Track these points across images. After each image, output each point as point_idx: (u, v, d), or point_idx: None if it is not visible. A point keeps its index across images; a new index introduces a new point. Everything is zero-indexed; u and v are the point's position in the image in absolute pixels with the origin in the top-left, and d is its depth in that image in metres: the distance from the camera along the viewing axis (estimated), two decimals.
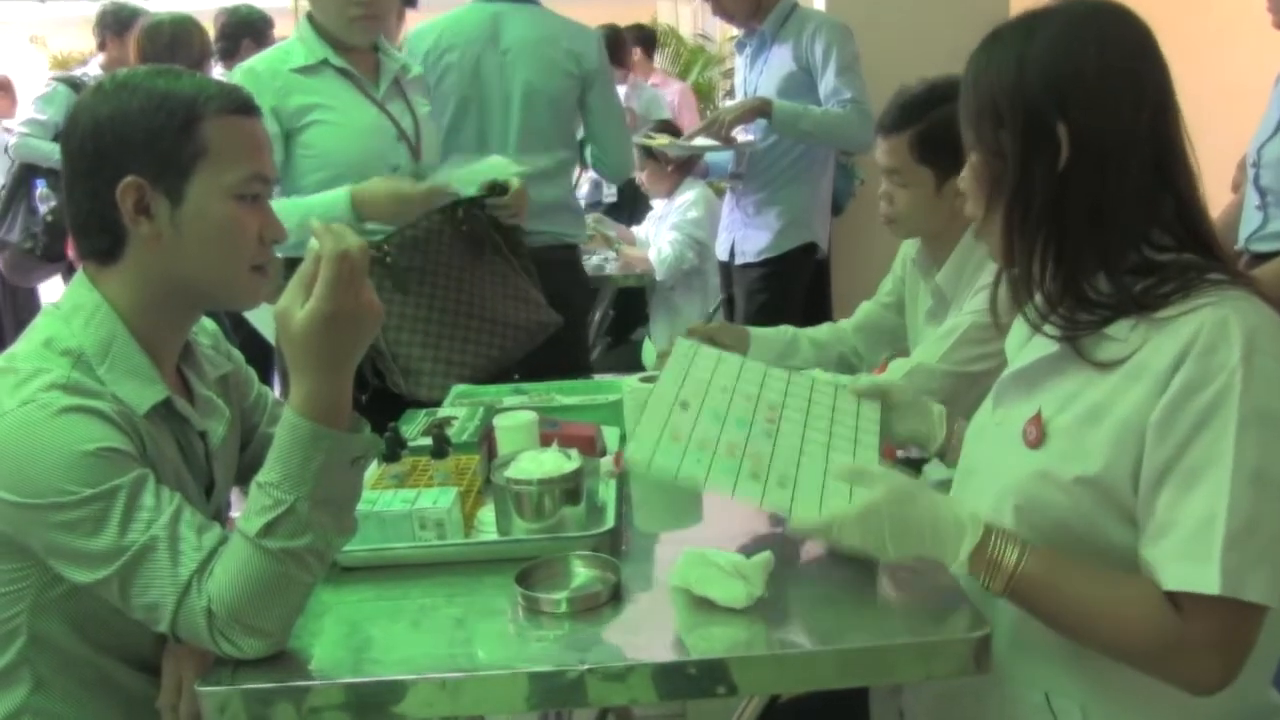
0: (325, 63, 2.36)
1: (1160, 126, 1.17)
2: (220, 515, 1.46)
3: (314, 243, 1.15)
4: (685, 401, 1.40)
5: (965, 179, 1.27)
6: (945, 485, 1.48)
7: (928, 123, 1.96)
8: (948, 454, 1.59)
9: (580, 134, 3.11)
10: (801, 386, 1.54)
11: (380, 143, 2.38)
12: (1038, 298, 1.22)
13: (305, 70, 2.35)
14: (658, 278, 4.15)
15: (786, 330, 2.26)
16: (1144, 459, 1.11)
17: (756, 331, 2.21)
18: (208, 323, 1.55)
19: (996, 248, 1.24)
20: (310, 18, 2.40)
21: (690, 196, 4.24)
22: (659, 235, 4.27)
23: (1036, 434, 1.20)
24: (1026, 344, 1.30)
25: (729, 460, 1.30)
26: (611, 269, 4.28)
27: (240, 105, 1.33)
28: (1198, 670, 1.08)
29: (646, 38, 6.50)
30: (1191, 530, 1.07)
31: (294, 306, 1.14)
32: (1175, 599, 1.08)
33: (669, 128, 4.29)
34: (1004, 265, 1.26)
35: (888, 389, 1.57)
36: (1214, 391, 1.07)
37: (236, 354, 1.60)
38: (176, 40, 3.71)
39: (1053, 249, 1.18)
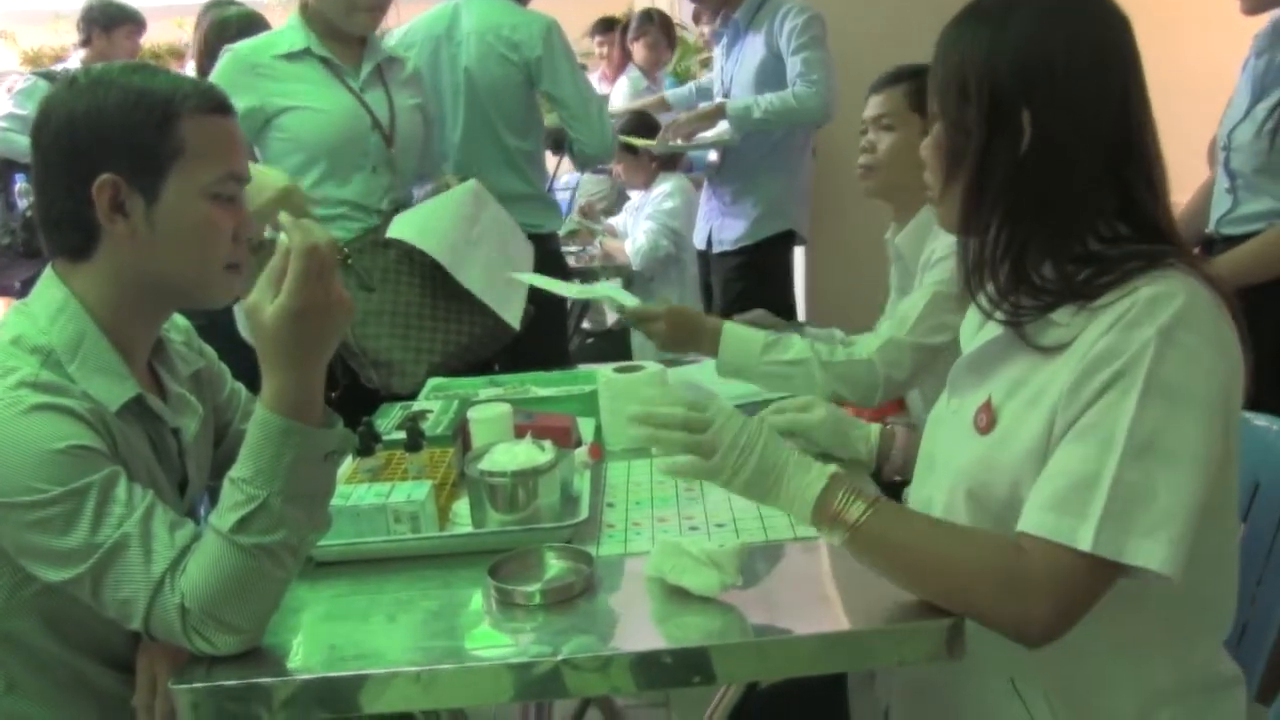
0: (307, 51, 2.40)
1: (1123, 122, 1.17)
2: (195, 512, 1.45)
3: (283, 237, 1.14)
4: (610, 503, 1.55)
5: (927, 147, 1.27)
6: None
7: (922, 79, 2.03)
8: (885, 468, 1.63)
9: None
10: None
11: (353, 130, 2.42)
12: (988, 282, 1.22)
13: (288, 57, 2.40)
14: (634, 268, 4.15)
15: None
16: (1056, 421, 1.12)
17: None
18: (179, 319, 1.54)
19: (951, 219, 1.25)
20: (304, 6, 2.44)
21: (666, 188, 4.24)
22: (635, 226, 4.27)
23: (987, 420, 1.21)
24: (979, 331, 1.30)
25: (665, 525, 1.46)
26: (587, 260, 4.28)
27: (216, 104, 1.32)
28: (1029, 613, 1.08)
29: (609, 27, 6.38)
30: (1071, 484, 1.08)
31: (264, 301, 1.13)
32: (1024, 539, 1.10)
33: (645, 120, 4.28)
34: (958, 237, 1.27)
35: (802, 425, 1.64)
36: (1125, 360, 1.08)
37: (209, 350, 1.59)
38: (243, 34, 3.69)
39: (1005, 231, 1.19)
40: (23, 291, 4.81)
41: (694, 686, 1.16)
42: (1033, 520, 1.10)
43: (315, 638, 1.24)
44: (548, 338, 2.86)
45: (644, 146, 3.96)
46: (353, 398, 2.28)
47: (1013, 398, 1.19)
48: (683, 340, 1.97)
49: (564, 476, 1.49)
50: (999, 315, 1.21)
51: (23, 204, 4.14)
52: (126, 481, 1.19)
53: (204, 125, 1.30)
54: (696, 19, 3.74)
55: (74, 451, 1.17)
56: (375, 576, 1.36)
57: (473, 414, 1.68)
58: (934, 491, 1.29)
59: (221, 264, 1.34)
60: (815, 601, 1.25)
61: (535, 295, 2.52)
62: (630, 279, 4.26)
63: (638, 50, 5.54)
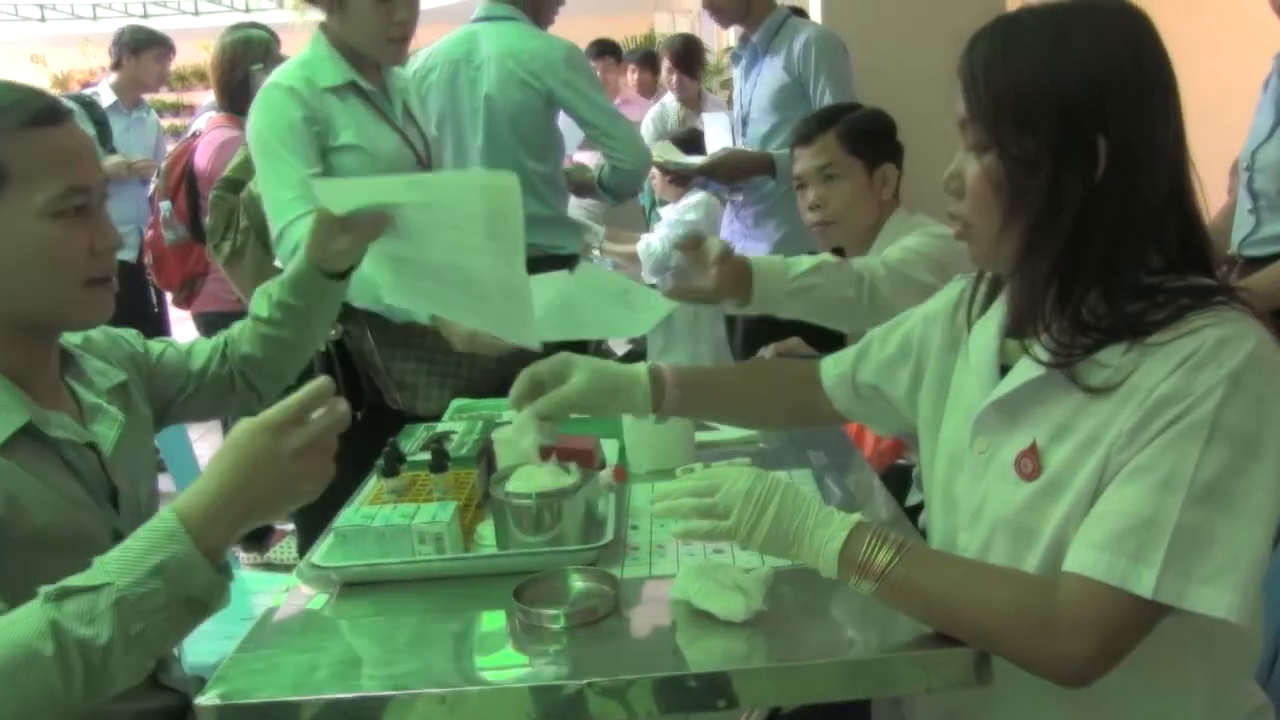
0: (352, 84, 2.33)
1: (1177, 143, 1.12)
2: (142, 519, 1.33)
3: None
4: (634, 525, 1.55)
5: (969, 179, 1.17)
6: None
7: (848, 121, 2.16)
8: (663, 408, 1.50)
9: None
10: None
11: (401, 169, 2.36)
12: (1048, 321, 1.15)
13: (334, 91, 2.31)
14: (643, 273, 4.17)
15: None
16: (1109, 463, 1.08)
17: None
18: (94, 333, 1.48)
19: (1007, 258, 1.17)
20: (324, 32, 2.34)
21: (692, 200, 4.34)
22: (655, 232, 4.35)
23: (1033, 466, 1.16)
24: (995, 360, 1.24)
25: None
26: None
27: (39, 115, 1.22)
28: (1070, 653, 1.05)
29: (607, 51, 6.42)
30: (1127, 525, 1.04)
31: (278, 433, 1.07)
32: (1070, 578, 1.06)
33: (695, 137, 4.32)
34: (1010, 276, 1.22)
35: (567, 361, 1.45)
36: (1190, 402, 1.04)
37: (126, 342, 1.53)
38: (267, 54, 3.74)
39: (1063, 266, 1.12)
40: None
41: (717, 711, 1.16)
42: (1083, 560, 1.06)
43: (340, 658, 1.24)
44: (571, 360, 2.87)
45: (656, 160, 3.98)
46: (377, 418, 2.29)
47: (1061, 442, 1.14)
48: (731, 287, 1.87)
49: (588, 499, 1.49)
50: (1038, 352, 1.15)
51: None
52: None
53: (27, 141, 1.20)
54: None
55: None
56: (400, 597, 1.36)
57: (497, 435, 1.68)
58: (963, 535, 1.26)
59: (79, 283, 1.26)
60: (841, 626, 1.25)
61: None
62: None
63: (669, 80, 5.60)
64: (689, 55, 5.54)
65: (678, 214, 4.32)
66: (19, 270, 1.22)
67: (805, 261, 1.90)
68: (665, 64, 5.58)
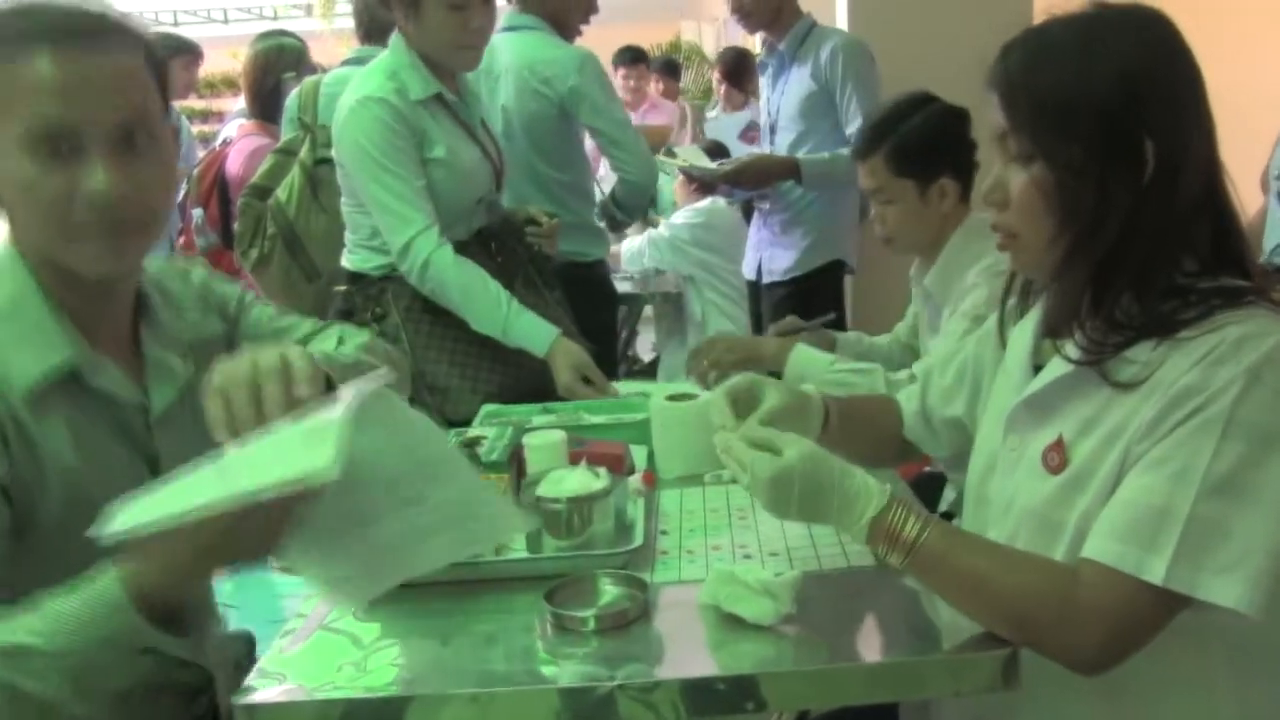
0: (439, 97, 2.34)
1: (1210, 144, 1.14)
2: None
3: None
4: (664, 530, 1.54)
5: (1016, 189, 1.17)
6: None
7: (898, 138, 2.08)
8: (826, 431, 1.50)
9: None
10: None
11: (480, 180, 2.41)
12: (1082, 321, 1.17)
13: (424, 104, 2.32)
14: (622, 264, 4.27)
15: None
16: (1129, 454, 1.10)
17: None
18: (195, 274, 1.42)
19: (1049, 266, 1.19)
20: (405, 43, 2.34)
21: (700, 205, 4.36)
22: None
23: (1059, 460, 1.17)
24: (1028, 361, 1.26)
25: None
26: None
27: (22, 35, 1.12)
28: (1083, 640, 1.07)
29: (639, 59, 6.49)
30: (1142, 514, 1.06)
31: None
32: (1087, 565, 1.08)
33: (719, 148, 4.35)
34: (1047, 283, 1.23)
35: (757, 382, 1.45)
36: (1207, 395, 1.05)
37: (222, 298, 1.44)
38: (300, 61, 3.78)
39: (1103, 269, 1.14)
40: None
41: (746, 714, 1.17)
42: (1099, 547, 1.08)
43: (371, 659, 1.25)
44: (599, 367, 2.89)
45: (679, 166, 4.01)
46: None
47: (1087, 436, 1.16)
48: (738, 363, 1.98)
49: (618, 503, 1.50)
50: (1070, 351, 1.17)
51: None
52: None
53: (7, 64, 1.11)
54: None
55: None
56: (431, 600, 1.37)
57: (528, 440, 1.70)
58: (992, 531, 1.27)
59: (60, 232, 1.15)
60: (869, 630, 1.25)
61: (588, 327, 2.53)
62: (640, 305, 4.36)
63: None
64: (739, 68, 5.82)
65: (684, 217, 4.35)
66: (18, 206, 1.16)
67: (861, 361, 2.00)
68: (715, 75, 5.77)
